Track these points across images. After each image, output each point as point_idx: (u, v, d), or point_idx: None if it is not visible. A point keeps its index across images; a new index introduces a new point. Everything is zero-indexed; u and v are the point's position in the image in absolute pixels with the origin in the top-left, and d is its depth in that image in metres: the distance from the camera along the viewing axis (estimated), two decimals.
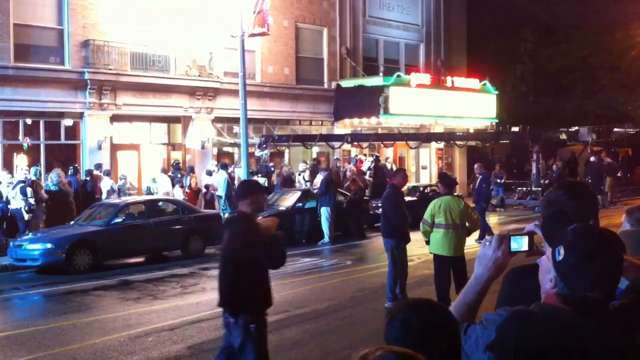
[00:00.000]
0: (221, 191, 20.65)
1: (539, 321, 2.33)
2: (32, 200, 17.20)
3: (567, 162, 35.21)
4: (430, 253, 10.50)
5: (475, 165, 20.29)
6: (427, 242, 10.40)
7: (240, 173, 21.83)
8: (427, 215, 10.18)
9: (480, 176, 19.32)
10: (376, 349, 1.91)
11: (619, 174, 30.39)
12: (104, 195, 19.35)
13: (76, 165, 20.52)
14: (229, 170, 21.63)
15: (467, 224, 10.19)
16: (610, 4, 35.49)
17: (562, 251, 2.39)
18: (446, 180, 11.11)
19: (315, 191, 20.55)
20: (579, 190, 3.13)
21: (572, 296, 2.35)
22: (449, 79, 28.53)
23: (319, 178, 23.56)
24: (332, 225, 19.16)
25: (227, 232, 6.14)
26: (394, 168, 27.46)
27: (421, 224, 10.29)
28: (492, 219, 25.85)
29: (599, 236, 2.40)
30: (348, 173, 24.21)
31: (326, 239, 19.10)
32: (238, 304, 6.00)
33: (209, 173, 22.08)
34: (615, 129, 33.19)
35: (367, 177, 24.56)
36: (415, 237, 11.61)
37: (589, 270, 2.33)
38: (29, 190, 17.20)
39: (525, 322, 2.35)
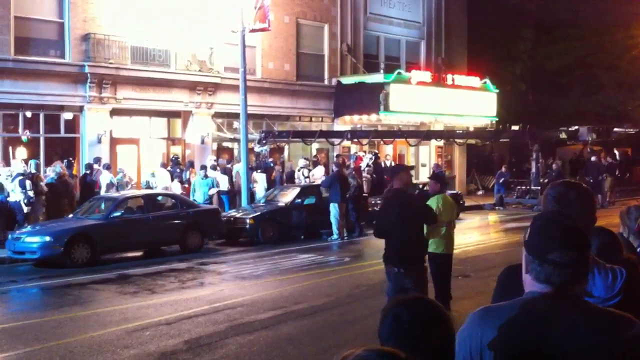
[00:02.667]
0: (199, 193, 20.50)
1: (503, 313, 2.33)
2: (31, 193, 17.20)
3: (570, 162, 35.28)
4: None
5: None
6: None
7: (239, 168, 21.83)
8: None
9: None
10: (358, 348, 1.91)
11: (617, 174, 30.39)
12: (103, 189, 19.35)
13: (71, 158, 20.50)
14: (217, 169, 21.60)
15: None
16: (610, 3, 35.47)
17: (528, 230, 2.44)
18: (440, 178, 11.08)
19: (318, 182, 20.71)
20: (579, 189, 3.13)
21: (533, 264, 2.36)
22: (449, 76, 28.51)
23: (318, 172, 23.61)
24: (342, 221, 19.13)
25: (397, 203, 8.11)
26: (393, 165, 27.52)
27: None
28: (491, 218, 25.92)
29: (559, 209, 2.45)
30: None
31: (334, 235, 19.10)
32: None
33: (214, 168, 22.07)
34: (615, 129, 33.18)
35: (365, 174, 24.55)
36: None
37: (546, 231, 2.37)
38: (27, 182, 17.20)
39: (488, 316, 2.36)
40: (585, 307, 2.36)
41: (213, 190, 20.67)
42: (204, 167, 21.07)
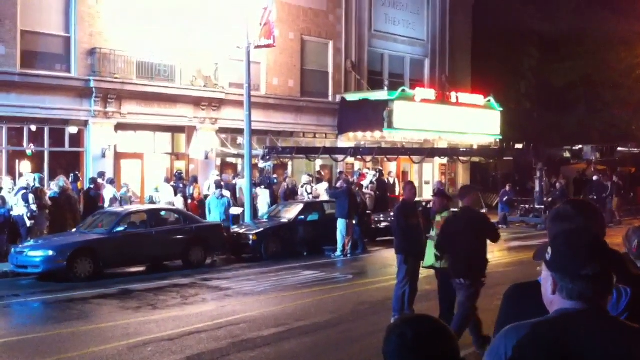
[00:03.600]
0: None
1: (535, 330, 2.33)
2: (34, 207, 17.20)
3: (574, 180, 35.22)
4: (428, 268, 10.38)
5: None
6: (440, 258, 10.14)
7: (242, 184, 21.82)
8: (436, 232, 9.98)
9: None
10: None
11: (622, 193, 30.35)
12: (106, 204, 19.34)
13: (77, 172, 20.52)
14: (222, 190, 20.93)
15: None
16: (615, 22, 35.58)
17: (549, 249, 2.44)
18: (444, 195, 11.03)
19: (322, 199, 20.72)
20: (588, 208, 3.12)
21: (563, 282, 2.36)
22: (453, 94, 28.56)
23: (322, 187, 23.58)
24: (349, 237, 19.06)
25: (466, 219, 8.86)
26: (396, 182, 27.53)
27: (430, 242, 10.09)
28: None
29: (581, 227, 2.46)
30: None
31: (338, 252, 19.04)
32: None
33: (218, 183, 22.02)
34: (619, 148, 33.14)
35: (368, 191, 24.52)
36: None
37: (573, 248, 2.38)
38: (31, 196, 17.20)
39: (517, 333, 2.36)
40: (619, 322, 2.39)
41: (237, 210, 20.29)
42: (219, 187, 20.32)
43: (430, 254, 10.09)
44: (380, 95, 27.14)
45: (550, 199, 27.92)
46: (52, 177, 20.06)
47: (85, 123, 21.39)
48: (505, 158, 32.33)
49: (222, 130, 24.44)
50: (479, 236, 8.81)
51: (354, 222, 19.40)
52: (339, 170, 25.99)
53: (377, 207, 24.15)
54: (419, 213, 11.43)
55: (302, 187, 23.68)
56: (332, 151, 25.05)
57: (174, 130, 23.98)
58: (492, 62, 35.23)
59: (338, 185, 21.26)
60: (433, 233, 10.12)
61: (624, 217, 29.00)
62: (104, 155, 21.38)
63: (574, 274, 2.34)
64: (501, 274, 15.81)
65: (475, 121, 29.18)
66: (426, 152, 27.14)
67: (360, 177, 25.47)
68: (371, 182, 25.43)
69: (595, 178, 29.83)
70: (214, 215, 19.50)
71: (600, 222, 3.12)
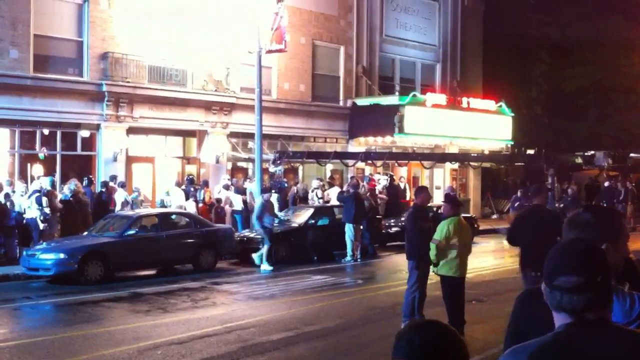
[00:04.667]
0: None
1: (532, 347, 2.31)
2: (47, 210, 17.29)
3: (586, 186, 35.05)
4: (437, 274, 10.35)
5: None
6: (436, 264, 10.24)
7: (252, 188, 21.85)
8: (440, 236, 10.06)
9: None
10: None
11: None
12: (117, 207, 19.42)
13: (91, 176, 20.60)
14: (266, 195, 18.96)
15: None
16: (627, 27, 35.42)
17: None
18: (454, 201, 11.00)
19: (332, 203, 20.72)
20: (606, 212, 3.09)
21: (545, 290, 2.35)
22: (464, 99, 28.50)
23: (333, 192, 23.58)
24: (357, 243, 19.04)
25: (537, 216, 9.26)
26: (407, 188, 27.50)
27: (433, 245, 10.12)
28: (506, 242, 25.71)
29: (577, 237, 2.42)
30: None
31: (348, 257, 19.03)
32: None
33: (227, 187, 22.10)
34: (631, 154, 32.97)
35: (383, 195, 24.52)
36: None
37: (557, 257, 2.37)
38: (44, 199, 17.29)
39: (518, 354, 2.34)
40: (613, 331, 2.33)
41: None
42: (267, 191, 19.20)
43: (446, 262, 10.07)
44: (391, 100, 27.12)
45: (561, 205, 27.79)
46: (64, 180, 20.16)
47: (97, 127, 21.49)
48: (516, 163, 32.23)
49: (233, 135, 24.49)
50: (548, 232, 8.91)
51: (361, 227, 19.39)
52: (350, 175, 25.98)
53: (389, 212, 24.12)
54: (430, 218, 11.43)
55: (312, 191, 23.68)
56: (342, 156, 25.04)
57: (185, 134, 24.06)
58: (503, 68, 35.13)
59: (345, 189, 21.26)
60: (437, 237, 10.09)
61: (636, 223, 28.82)
62: (115, 159, 21.47)
63: (550, 284, 2.33)
64: (512, 280, 15.74)
65: (486, 126, 29.12)
66: (437, 157, 27.09)
67: (370, 182, 25.46)
68: (384, 187, 25.43)
69: (606, 184, 29.68)
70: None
71: (617, 228, 3.07)
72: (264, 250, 17.50)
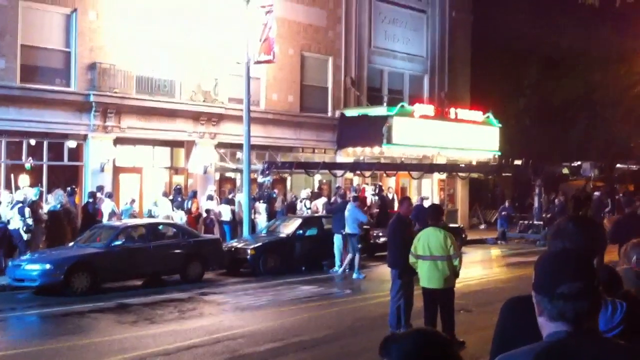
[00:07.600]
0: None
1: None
2: (30, 221, 17.15)
3: (573, 197, 35.25)
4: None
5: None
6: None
7: (241, 198, 21.82)
8: (412, 248, 10.07)
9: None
10: None
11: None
12: (105, 218, 19.32)
13: (74, 186, 20.50)
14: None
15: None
16: (614, 40, 35.69)
17: (534, 272, 2.40)
18: (432, 211, 10.81)
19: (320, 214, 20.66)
20: (588, 224, 3.11)
21: (543, 302, 2.32)
22: (452, 110, 28.62)
23: (320, 202, 23.58)
24: (346, 252, 18.95)
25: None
26: (395, 198, 27.54)
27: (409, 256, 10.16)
28: (494, 252, 25.81)
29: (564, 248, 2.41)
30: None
31: (336, 267, 18.99)
32: None
33: (210, 198, 22.07)
34: (618, 165, 33.21)
35: (373, 210, 24.57)
36: None
37: (551, 266, 2.34)
38: (27, 210, 17.16)
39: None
40: (608, 343, 2.33)
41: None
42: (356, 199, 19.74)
43: (420, 273, 10.03)
44: (380, 110, 27.19)
45: (549, 215, 27.94)
46: (50, 191, 20.03)
47: (85, 137, 21.39)
48: (504, 174, 32.36)
49: (221, 145, 24.46)
50: None
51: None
52: (336, 186, 26.00)
53: (378, 222, 24.13)
54: (412, 228, 11.46)
55: (300, 201, 23.67)
56: (331, 166, 25.07)
57: (173, 144, 23.99)
58: (491, 79, 35.31)
59: (332, 200, 21.25)
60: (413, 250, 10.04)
61: None
62: (102, 170, 21.37)
63: (550, 294, 2.29)
64: (499, 289, 15.78)
65: (474, 137, 29.23)
66: (425, 167, 27.17)
67: (361, 192, 25.48)
68: (373, 195, 25.48)
69: (596, 194, 29.85)
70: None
71: (602, 239, 3.11)
72: (357, 259, 18.15)
